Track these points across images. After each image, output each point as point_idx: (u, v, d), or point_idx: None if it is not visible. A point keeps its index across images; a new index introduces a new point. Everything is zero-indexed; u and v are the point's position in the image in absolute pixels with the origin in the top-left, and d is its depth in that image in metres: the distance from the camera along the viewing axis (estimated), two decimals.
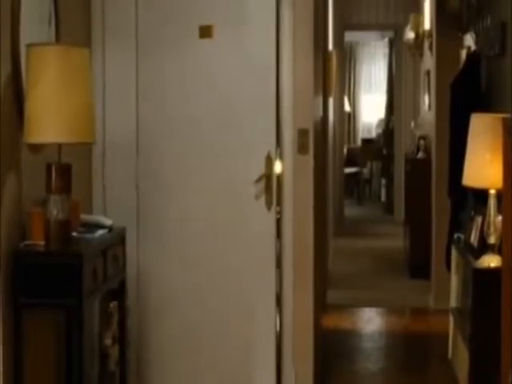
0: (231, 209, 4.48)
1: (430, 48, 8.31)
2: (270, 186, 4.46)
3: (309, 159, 4.88)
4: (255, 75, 4.43)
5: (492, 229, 4.34)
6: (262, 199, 4.46)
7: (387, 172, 13.79)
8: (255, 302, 4.49)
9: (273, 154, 4.46)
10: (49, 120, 3.18)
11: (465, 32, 6.74)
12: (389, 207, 13.26)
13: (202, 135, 4.47)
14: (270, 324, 4.49)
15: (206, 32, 4.41)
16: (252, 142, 4.46)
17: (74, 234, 3.43)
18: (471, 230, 4.93)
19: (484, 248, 4.47)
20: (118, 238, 3.82)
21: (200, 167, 4.48)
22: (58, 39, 3.71)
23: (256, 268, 4.48)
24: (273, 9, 4.43)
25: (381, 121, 15.51)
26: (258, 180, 4.43)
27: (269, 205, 4.46)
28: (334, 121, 10.03)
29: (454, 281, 5.33)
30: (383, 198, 14.31)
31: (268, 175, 4.46)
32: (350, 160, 14.77)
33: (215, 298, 4.49)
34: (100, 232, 3.63)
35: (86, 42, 4.28)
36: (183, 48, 4.45)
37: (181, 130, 4.47)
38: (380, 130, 15.46)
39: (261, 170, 4.45)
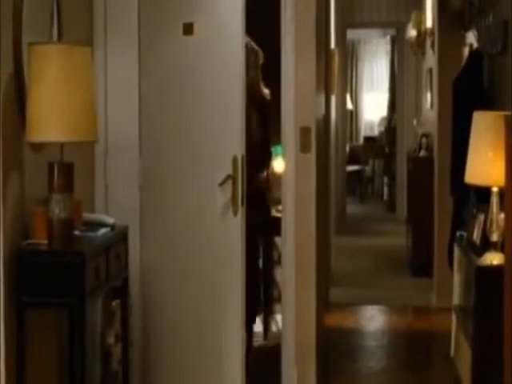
0: (202, 213, 4.36)
1: (432, 46, 8.31)
2: (236, 190, 4.24)
3: (311, 157, 4.88)
4: (227, 75, 4.28)
5: (494, 226, 4.34)
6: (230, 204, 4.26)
7: (389, 170, 13.78)
8: (225, 313, 4.35)
9: (239, 156, 4.24)
10: (51, 119, 3.18)
11: (467, 30, 6.73)
12: (391, 205, 13.25)
13: (186, 135, 4.42)
14: (237, 325, 4.32)
15: (187, 29, 4.36)
16: (221, 144, 4.29)
17: (77, 232, 3.43)
18: (473, 228, 4.93)
19: (486, 246, 4.47)
20: (121, 236, 3.83)
21: (187, 167, 4.42)
22: (60, 38, 3.71)
23: (222, 275, 4.32)
24: (239, 8, 4.26)
25: (383, 119, 15.50)
26: (223, 182, 4.22)
27: (235, 210, 4.26)
28: (336, 119, 10.03)
29: (457, 279, 5.33)
30: (385, 196, 14.30)
31: (234, 178, 4.23)
32: (353, 158, 14.77)
33: (208, 299, 4.42)
34: (102, 230, 3.63)
35: (87, 40, 4.28)
36: (181, 46, 4.44)
37: (175, 130, 4.45)
38: (382, 128, 15.45)
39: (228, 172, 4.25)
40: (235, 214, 4.24)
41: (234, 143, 4.25)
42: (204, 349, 4.44)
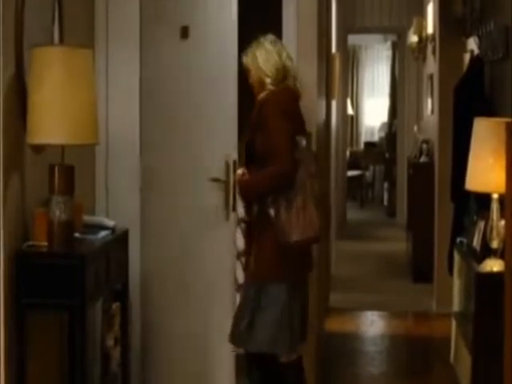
0: (199, 217, 4.39)
1: (434, 52, 8.32)
2: (228, 195, 4.30)
3: None
4: (221, 78, 4.35)
5: (495, 233, 4.34)
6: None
7: (390, 175, 13.79)
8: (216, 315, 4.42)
9: (230, 161, 4.29)
10: (52, 121, 3.18)
11: (468, 36, 6.74)
12: (391, 211, 13.26)
13: (183, 138, 4.45)
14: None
15: (184, 33, 4.39)
16: (215, 148, 4.34)
17: (77, 234, 3.43)
18: (474, 235, 4.93)
19: (487, 252, 4.47)
20: (121, 239, 3.83)
21: (184, 171, 4.45)
22: (61, 40, 3.71)
23: (212, 282, 4.40)
24: (231, 11, 4.33)
25: (384, 124, 15.50)
26: (214, 181, 4.27)
27: (227, 215, 4.31)
28: (337, 124, 10.03)
29: (457, 285, 5.33)
30: (386, 201, 14.31)
31: (226, 183, 4.28)
32: (353, 163, 14.77)
33: (206, 300, 4.45)
34: (102, 233, 3.63)
35: (89, 43, 4.28)
36: (178, 50, 4.45)
37: (175, 133, 4.47)
38: (383, 134, 15.45)
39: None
40: (227, 218, 4.30)
41: (226, 147, 4.32)
42: (206, 350, 4.44)
